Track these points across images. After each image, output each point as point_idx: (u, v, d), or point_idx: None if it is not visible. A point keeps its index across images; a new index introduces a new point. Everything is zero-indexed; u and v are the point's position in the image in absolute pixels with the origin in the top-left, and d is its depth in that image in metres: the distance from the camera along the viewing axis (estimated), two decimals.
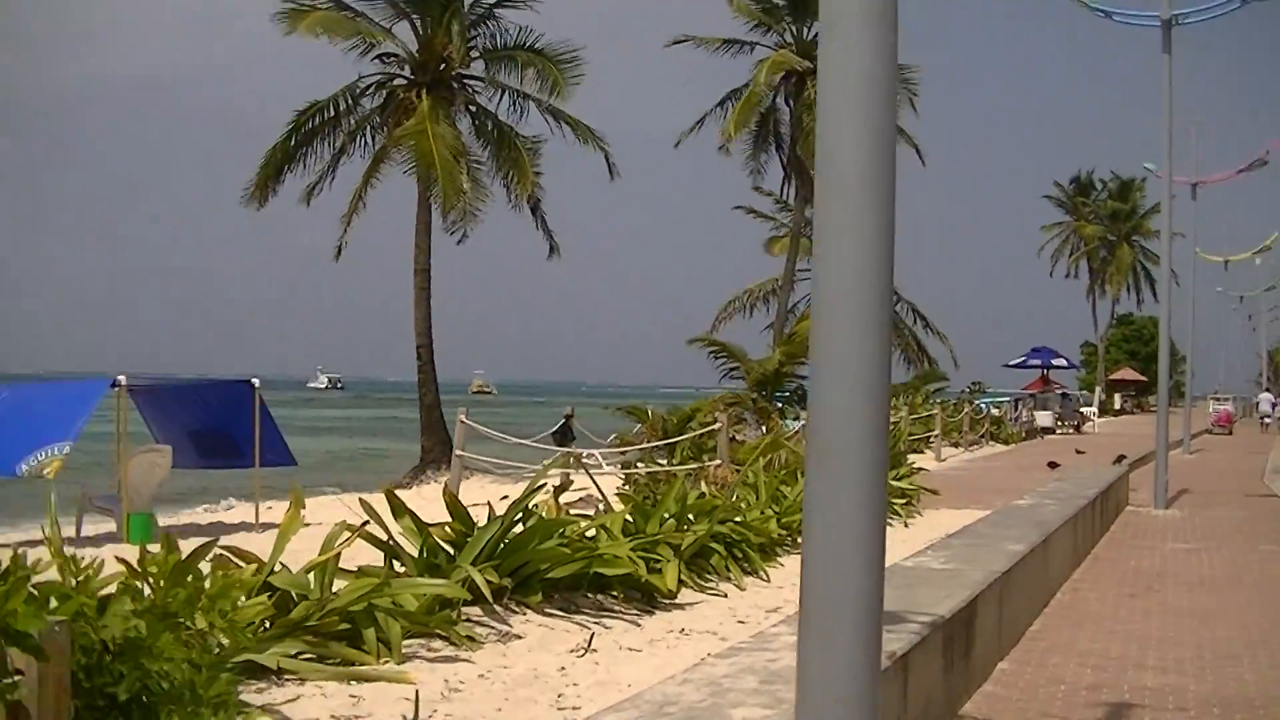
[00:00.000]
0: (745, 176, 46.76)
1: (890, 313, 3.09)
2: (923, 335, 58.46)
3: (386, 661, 6.78)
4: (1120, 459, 24.77)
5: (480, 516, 8.71)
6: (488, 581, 7.75)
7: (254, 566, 7.01)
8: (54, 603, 4.48)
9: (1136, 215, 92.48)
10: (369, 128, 36.84)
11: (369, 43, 35.93)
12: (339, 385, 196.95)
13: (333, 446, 55.38)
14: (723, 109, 45.26)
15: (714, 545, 10.13)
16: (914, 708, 6.12)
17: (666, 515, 10.20)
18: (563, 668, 6.95)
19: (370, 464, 44.07)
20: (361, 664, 6.67)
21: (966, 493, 19.45)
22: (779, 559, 11.46)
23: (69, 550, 5.60)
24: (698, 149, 45.68)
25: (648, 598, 8.94)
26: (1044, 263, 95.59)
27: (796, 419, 24.62)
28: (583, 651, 7.35)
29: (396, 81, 37.02)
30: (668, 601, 9.05)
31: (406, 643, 7.05)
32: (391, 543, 8.32)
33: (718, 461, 18.21)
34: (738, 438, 22.54)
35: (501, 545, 8.41)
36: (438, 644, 7.27)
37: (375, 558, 8.23)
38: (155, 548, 5.98)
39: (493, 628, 7.75)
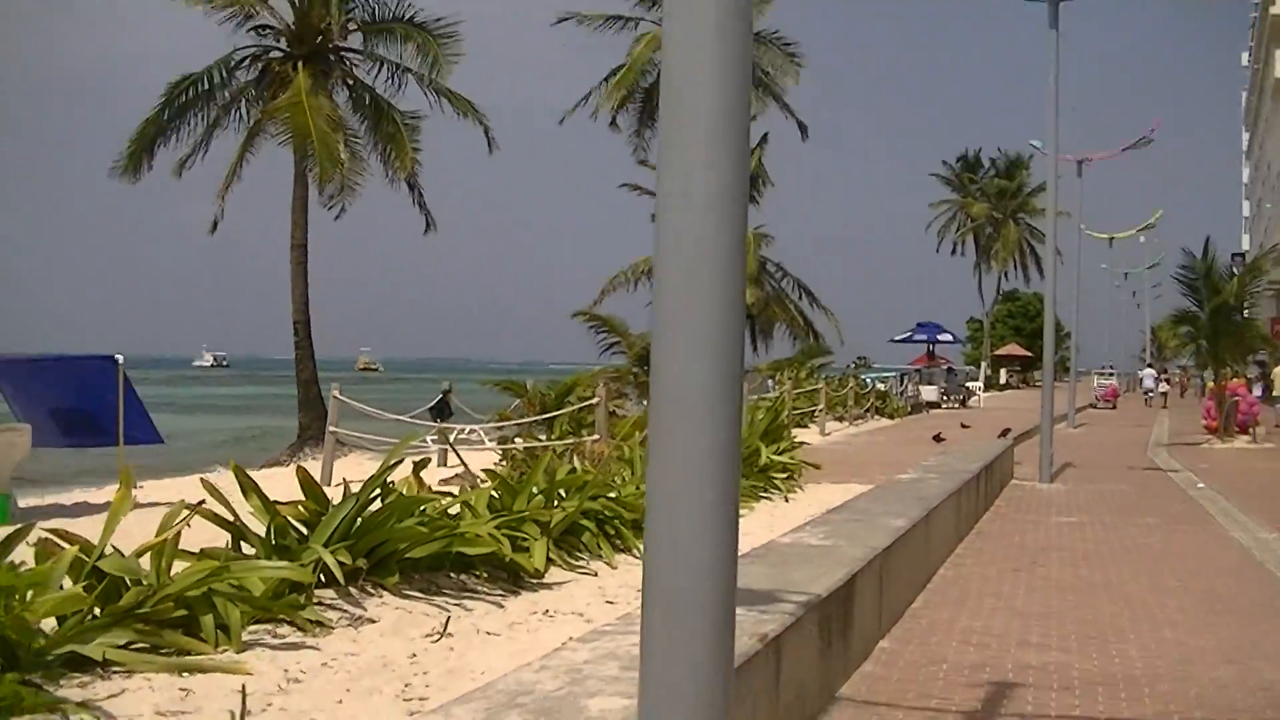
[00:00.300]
0: (630, 153, 46.42)
1: (742, 275, 2.78)
2: (809, 311, 58.88)
3: (225, 650, 6.37)
4: (1005, 433, 24.99)
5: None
6: (340, 563, 7.37)
7: (73, 551, 6.52)
8: None
9: (1023, 193, 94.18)
10: (244, 101, 36.23)
11: (246, 13, 35.21)
12: (224, 363, 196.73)
13: (214, 424, 54.51)
14: (606, 84, 45.04)
15: (585, 522, 9.82)
16: (788, 692, 5.89)
17: (535, 491, 9.86)
18: (414, 655, 6.59)
19: (251, 442, 43.25)
20: (197, 654, 6.25)
21: (849, 467, 19.41)
22: None
23: None
24: (587, 126, 45.10)
25: (514, 578, 8.62)
26: (931, 240, 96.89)
27: None
28: (438, 636, 7.00)
29: (272, 54, 36.39)
30: (535, 581, 8.73)
31: (252, 629, 6.66)
32: (238, 523, 7.88)
33: (596, 436, 17.92)
34: (618, 412, 22.31)
35: (357, 524, 8.01)
36: (285, 630, 6.87)
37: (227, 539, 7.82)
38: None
39: (346, 612, 7.36)
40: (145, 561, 6.85)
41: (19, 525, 7.13)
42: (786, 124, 49.60)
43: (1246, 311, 31.82)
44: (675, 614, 2.82)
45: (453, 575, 8.36)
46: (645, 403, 24.11)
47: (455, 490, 11.11)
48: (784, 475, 15.42)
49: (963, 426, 32.24)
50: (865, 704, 6.68)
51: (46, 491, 21.83)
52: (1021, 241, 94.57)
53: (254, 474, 8.78)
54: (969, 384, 57.07)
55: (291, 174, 34.71)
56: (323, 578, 7.37)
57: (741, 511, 13.08)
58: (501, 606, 7.94)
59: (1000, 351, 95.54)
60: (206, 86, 35.49)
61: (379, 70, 36.74)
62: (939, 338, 56.26)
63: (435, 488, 10.46)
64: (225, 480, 8.83)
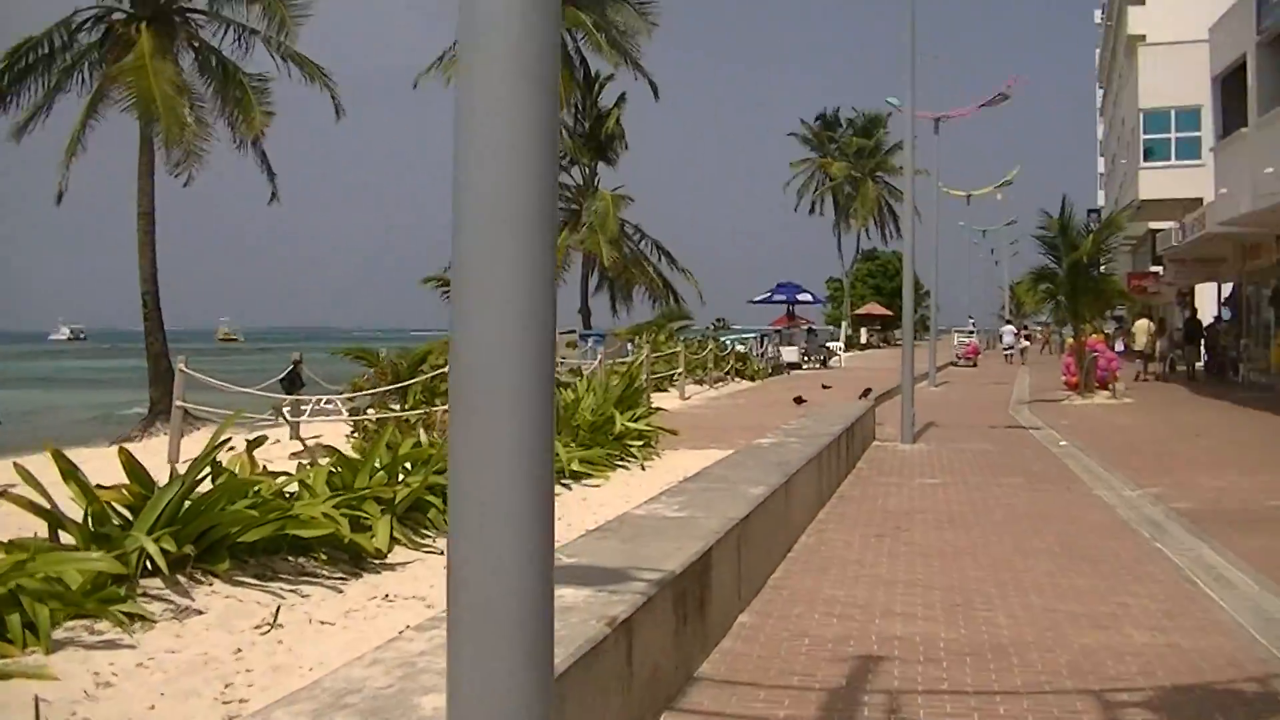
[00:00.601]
0: None
1: (552, 231, 2.41)
2: (669, 272, 58.89)
3: (34, 652, 5.87)
4: (866, 393, 25.06)
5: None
6: (164, 551, 6.90)
7: None
8: None
9: (881, 152, 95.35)
10: (87, 64, 35.09)
11: None
12: (82, 336, 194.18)
13: (67, 400, 52.98)
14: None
15: (430, 498, 9.42)
16: (641, 674, 5.60)
17: (377, 467, 9.42)
18: (239, 650, 6.17)
19: (104, 417, 41.94)
20: (1, 657, 5.75)
21: (709, 432, 19.24)
22: None
23: None
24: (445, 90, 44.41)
25: (355, 559, 8.23)
26: (790, 199, 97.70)
27: None
28: (267, 628, 6.58)
29: (115, 15, 35.23)
30: (377, 562, 8.34)
31: (69, 626, 6.18)
32: (55, 511, 7.34)
33: (448, 406, 17.46)
34: None
35: (184, 508, 7.52)
36: (104, 626, 6.39)
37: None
38: None
39: (171, 603, 6.92)
40: None
41: None
42: (643, 84, 49.36)
43: (1104, 267, 32.36)
44: (485, 624, 2.45)
45: (290, 559, 7.95)
46: None
47: (308, 464, 10.64)
48: (640, 443, 15.16)
49: (824, 387, 32.38)
50: (725, 683, 6.43)
51: None
52: (880, 200, 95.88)
53: (101, 452, 8.26)
54: (830, 344, 57.57)
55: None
56: (149, 566, 6.90)
57: (596, 482, 12.88)
58: (340, 591, 7.55)
59: (860, 311, 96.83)
60: (47, 50, 34.49)
61: (225, 32, 36.05)
62: (798, 298, 56.58)
63: (288, 462, 10.02)
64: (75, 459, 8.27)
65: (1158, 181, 43.30)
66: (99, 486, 7.67)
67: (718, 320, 59.59)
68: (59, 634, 6.07)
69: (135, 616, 6.46)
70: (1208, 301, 45.50)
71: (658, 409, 19.37)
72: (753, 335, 53.48)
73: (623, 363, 25.77)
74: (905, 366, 20.75)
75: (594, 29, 45.73)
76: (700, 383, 35.17)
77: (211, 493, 7.69)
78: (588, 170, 58.80)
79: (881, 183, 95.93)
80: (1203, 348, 40.15)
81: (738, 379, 39.17)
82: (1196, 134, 42.36)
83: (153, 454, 15.71)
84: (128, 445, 24.38)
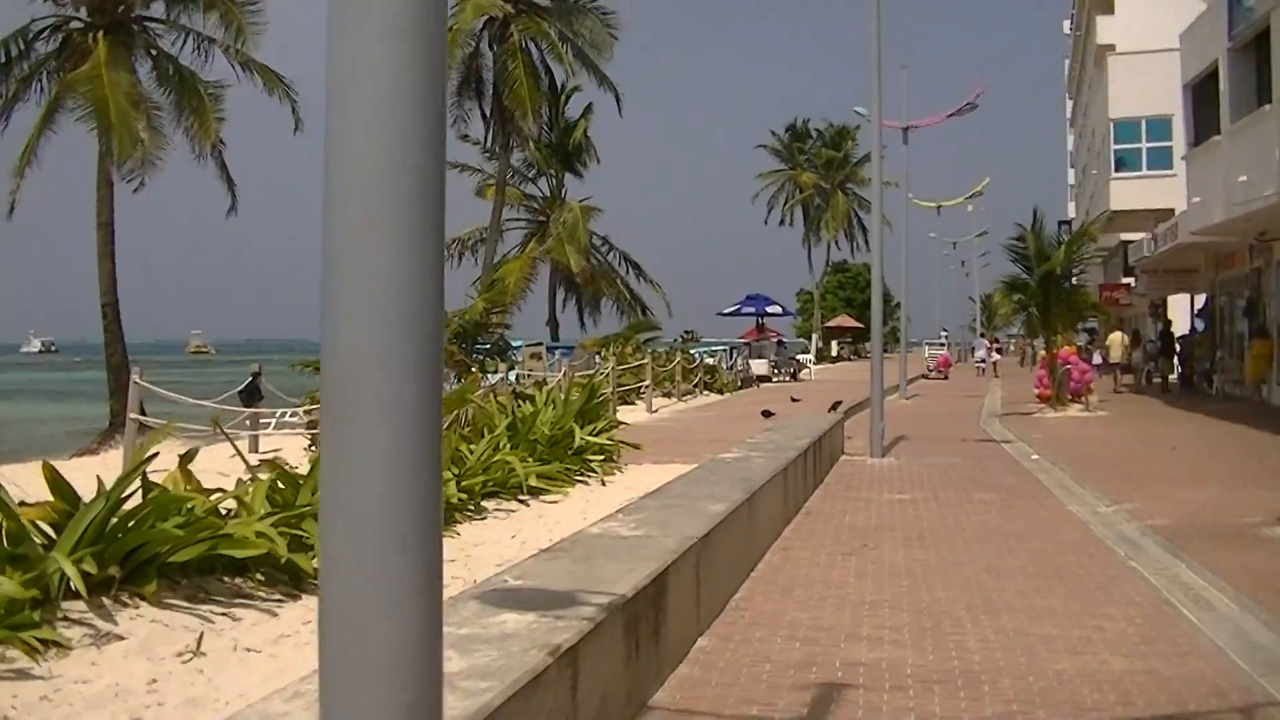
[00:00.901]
0: (449, 125, 45.41)
1: (440, 208, 2.09)
2: (636, 284, 58.70)
3: None
4: (835, 406, 24.80)
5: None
6: (86, 573, 6.53)
7: None
8: None
9: (850, 163, 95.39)
10: (45, 73, 34.85)
11: None
12: (53, 348, 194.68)
13: (36, 412, 52.72)
14: None
15: None
16: (587, 707, 5.28)
17: (315, 485, 9.05)
18: (154, 680, 5.80)
19: (71, 429, 41.48)
20: None
21: (674, 445, 18.94)
22: (456, 527, 10.53)
23: None
24: None
25: (295, 579, 7.84)
26: (760, 211, 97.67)
27: (495, 372, 23.67)
28: (189, 655, 6.20)
29: (73, 25, 34.99)
30: (317, 583, 7.94)
31: None
32: None
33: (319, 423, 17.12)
34: None
35: (110, 526, 7.15)
36: (16, 654, 6.00)
37: None
38: None
39: (92, 628, 6.53)
40: None
41: None
42: (605, 98, 49.15)
43: (1076, 279, 32.24)
44: (360, 675, 2.11)
45: (226, 579, 7.57)
46: (460, 380, 23.36)
47: (247, 480, 10.26)
48: (601, 457, 14.82)
49: (793, 400, 32.16)
50: (680, 712, 6.11)
51: None
52: (850, 212, 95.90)
53: (62, 465, 7.92)
54: (800, 357, 57.44)
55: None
56: (73, 588, 6.53)
57: (554, 497, 12.52)
58: (275, 614, 7.18)
59: (831, 323, 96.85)
60: (4, 59, 34.48)
61: (184, 41, 35.96)
62: (768, 310, 56.40)
63: (242, 476, 9.67)
64: (23, 474, 7.94)
65: (1129, 192, 43.28)
66: (22, 504, 7.30)
67: (686, 332, 59.32)
68: None
69: (50, 643, 6.09)
70: (1180, 313, 45.46)
71: (621, 423, 19.05)
72: (722, 348, 53.20)
73: (587, 375, 25.46)
74: (875, 379, 20.49)
75: (557, 40, 45.45)
76: (668, 395, 34.91)
77: (140, 510, 7.32)
78: (554, 181, 58.58)
79: (851, 194, 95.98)
80: (1176, 359, 40.08)
81: (706, 392, 38.91)
82: (1167, 143, 42.34)
83: (110, 467, 15.32)
84: (86, 458, 24.03)
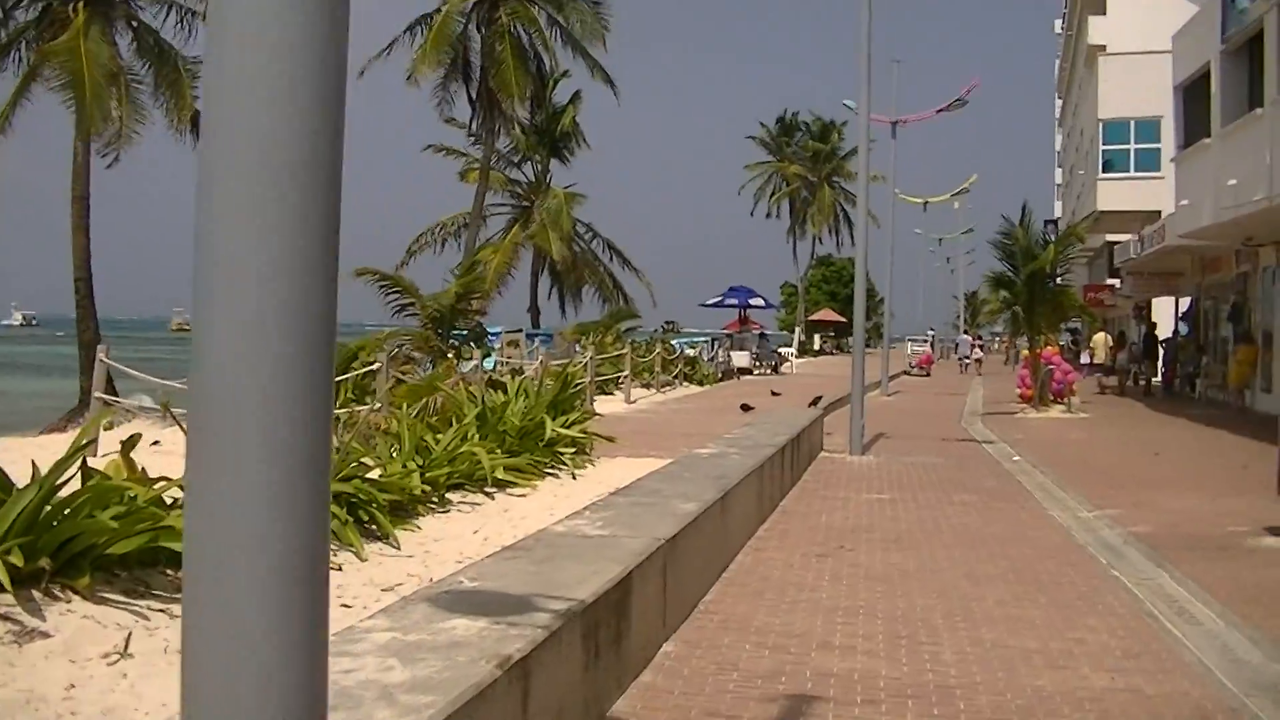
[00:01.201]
0: (434, 107, 45.10)
1: (335, 187, 1.78)
2: (620, 272, 58.38)
3: None
4: (815, 401, 24.54)
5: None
6: (11, 565, 6.19)
7: None
8: None
9: (837, 156, 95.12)
10: (24, 43, 34.39)
11: None
12: (34, 322, 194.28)
13: (11, 386, 52.33)
14: (411, 35, 43.72)
15: (331, 508, 8.69)
16: (542, 719, 4.95)
17: None
18: (72, 685, 5.46)
19: (36, 404, 41.04)
20: None
21: (650, 438, 18.65)
22: (417, 520, 10.19)
23: None
24: (387, 75, 43.81)
25: None
26: (746, 203, 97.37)
27: (471, 359, 23.34)
28: (116, 657, 5.86)
29: None
30: None
31: None
32: None
33: (378, 405, 16.78)
34: (407, 378, 21.19)
35: (43, 515, 6.80)
36: None
37: None
38: None
39: (18, 624, 6.17)
40: None
41: None
42: (597, 83, 48.71)
43: (1061, 279, 31.99)
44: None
45: (169, 573, 7.20)
46: (435, 366, 23.04)
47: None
48: (573, 450, 14.49)
49: (773, 394, 31.89)
50: None
51: None
52: (836, 205, 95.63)
53: (28, 442, 7.55)
54: (782, 350, 57.17)
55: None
56: None
57: (522, 491, 12.18)
58: None
59: (814, 317, 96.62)
60: None
61: (168, 13, 35.34)
62: (751, 302, 56.01)
63: None
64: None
65: (1116, 193, 43.13)
66: None
67: (667, 323, 58.93)
68: None
69: None
70: (1164, 316, 45.31)
71: (595, 414, 18.74)
72: (704, 339, 52.89)
73: (563, 364, 25.15)
74: (856, 375, 20.22)
75: (545, 26, 45.06)
76: (647, 386, 34.59)
77: (75, 498, 6.97)
78: (540, 167, 58.18)
79: (838, 188, 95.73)
80: (1159, 363, 39.89)
81: (686, 383, 38.62)
82: (1156, 145, 42.21)
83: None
84: (54, 435, 23.68)
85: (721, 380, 42.41)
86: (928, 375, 57.02)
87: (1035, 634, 7.70)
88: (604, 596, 5.89)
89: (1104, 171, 44.40)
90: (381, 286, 28.35)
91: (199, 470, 1.78)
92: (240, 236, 1.74)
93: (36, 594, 6.45)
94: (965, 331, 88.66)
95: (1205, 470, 17.85)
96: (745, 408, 25.60)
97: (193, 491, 1.80)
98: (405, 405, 13.99)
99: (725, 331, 56.57)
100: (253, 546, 1.75)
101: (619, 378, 31.94)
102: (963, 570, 9.83)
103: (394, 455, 11.23)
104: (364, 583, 7.81)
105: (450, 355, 25.38)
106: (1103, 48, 48.27)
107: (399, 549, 9.11)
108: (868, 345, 21.95)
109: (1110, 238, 48.98)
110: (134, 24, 35.27)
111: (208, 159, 1.78)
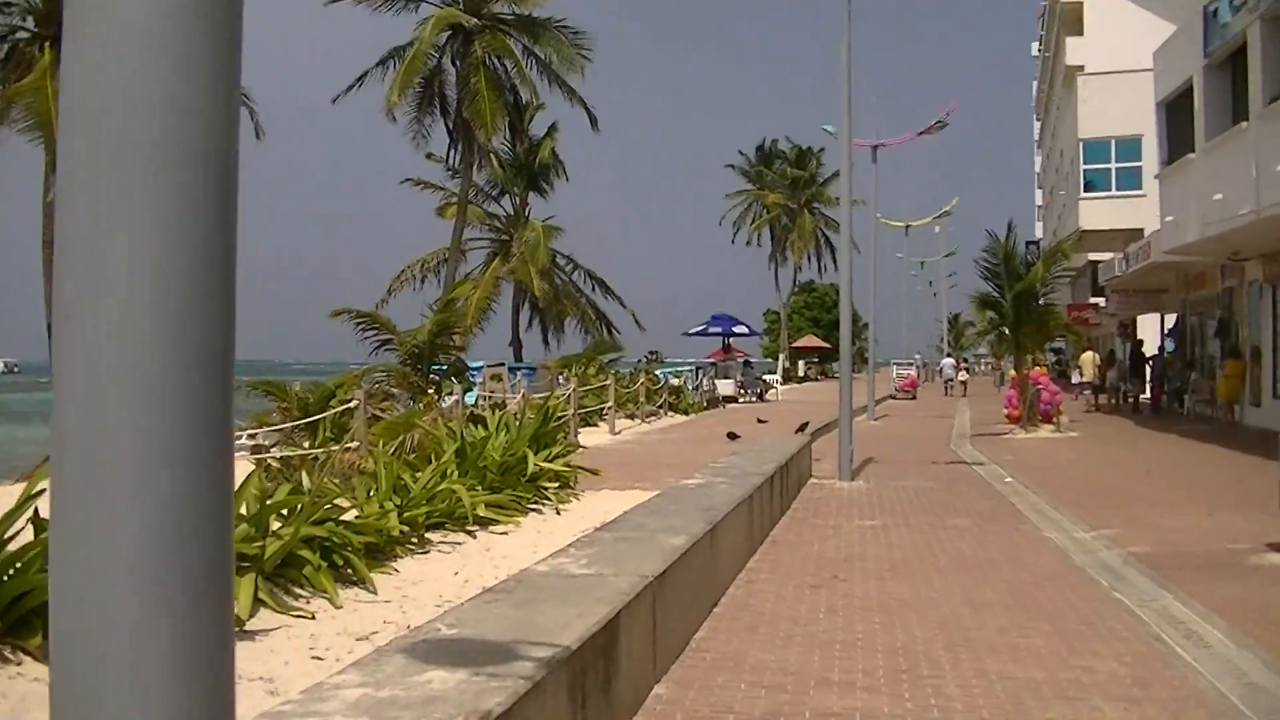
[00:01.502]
0: (408, 141, 44.96)
1: (230, 186, 1.49)
2: (603, 303, 58.14)
3: None
4: (803, 428, 24.26)
5: None
6: None
7: None
8: None
9: (816, 183, 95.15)
10: None
11: None
12: (15, 369, 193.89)
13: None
14: (384, 68, 43.64)
15: (305, 553, 8.36)
16: None
17: (242, 515, 8.38)
18: None
19: (19, 450, 40.56)
20: None
21: (635, 469, 18.34)
22: (396, 562, 9.84)
23: None
24: (366, 112, 43.72)
25: None
26: (726, 231, 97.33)
27: (450, 394, 22.99)
28: None
29: (19, 34, 34.23)
30: (239, 630, 7.27)
31: None
32: None
33: (355, 444, 16.44)
34: (385, 415, 20.85)
35: None
36: None
37: None
38: None
39: None
40: None
41: None
42: (578, 114, 48.55)
43: (1044, 298, 31.79)
44: None
45: None
46: (417, 404, 22.71)
47: None
48: (556, 484, 14.14)
49: (759, 421, 31.64)
50: None
51: None
52: (817, 232, 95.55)
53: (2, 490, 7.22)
54: (766, 377, 56.93)
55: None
56: None
57: (504, 528, 11.83)
58: None
59: (798, 343, 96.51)
60: None
61: None
62: (734, 330, 55.80)
63: None
64: None
65: (1098, 212, 43.09)
66: None
67: (650, 353, 58.69)
68: None
69: None
70: (1150, 333, 45.22)
71: (579, 446, 18.42)
72: (688, 368, 52.60)
73: (544, 397, 24.83)
74: (843, 400, 19.93)
75: (521, 57, 44.92)
76: (632, 417, 34.30)
77: (26, 551, 6.62)
78: (518, 200, 57.96)
79: (818, 214, 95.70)
80: (1148, 379, 39.71)
81: (671, 413, 38.32)
82: (1137, 164, 42.19)
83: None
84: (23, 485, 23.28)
85: (707, 409, 42.13)
86: (914, 399, 56.84)
87: (1041, 663, 7.40)
88: (590, 641, 5.57)
89: (1085, 191, 44.37)
90: (358, 324, 27.97)
91: (67, 518, 1.48)
92: (108, 247, 1.45)
93: None
94: (949, 354, 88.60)
95: (1200, 487, 17.59)
96: (732, 436, 25.31)
97: (57, 546, 1.50)
98: (382, 443, 13.62)
99: (709, 360, 56.30)
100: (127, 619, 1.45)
101: (603, 409, 31.64)
102: (960, 597, 9.53)
103: (371, 495, 10.89)
104: (338, 631, 7.47)
105: (430, 391, 25.06)
106: (1081, 68, 48.31)
107: (376, 594, 8.76)
108: (853, 370, 21.64)
109: (1093, 256, 48.95)
110: None
111: (67, 159, 1.48)
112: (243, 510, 8.39)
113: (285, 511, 8.90)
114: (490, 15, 44.60)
